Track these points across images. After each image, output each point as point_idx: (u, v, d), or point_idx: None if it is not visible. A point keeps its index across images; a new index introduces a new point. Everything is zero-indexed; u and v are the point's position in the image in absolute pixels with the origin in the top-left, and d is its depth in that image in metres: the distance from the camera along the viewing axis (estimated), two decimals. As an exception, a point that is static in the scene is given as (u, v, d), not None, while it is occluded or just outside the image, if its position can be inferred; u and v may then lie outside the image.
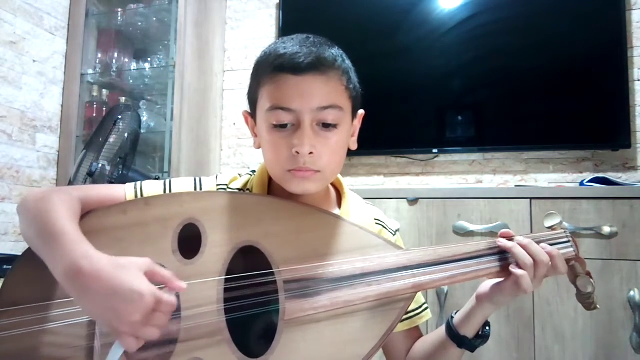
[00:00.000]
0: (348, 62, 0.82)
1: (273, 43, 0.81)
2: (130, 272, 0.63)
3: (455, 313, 0.84)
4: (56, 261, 0.66)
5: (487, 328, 0.83)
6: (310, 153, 0.75)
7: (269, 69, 0.77)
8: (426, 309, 0.92)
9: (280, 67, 0.75)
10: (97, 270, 0.63)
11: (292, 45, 0.77)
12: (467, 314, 0.82)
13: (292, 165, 0.76)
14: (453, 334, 0.82)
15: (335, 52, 0.79)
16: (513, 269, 0.75)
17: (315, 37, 0.80)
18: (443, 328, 0.84)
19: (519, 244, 0.77)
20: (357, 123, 0.86)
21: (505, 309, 1.60)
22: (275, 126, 0.77)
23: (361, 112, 0.86)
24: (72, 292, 0.65)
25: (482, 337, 0.82)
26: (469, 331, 0.81)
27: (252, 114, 0.85)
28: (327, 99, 0.76)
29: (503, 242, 0.78)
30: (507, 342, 1.59)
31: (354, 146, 0.86)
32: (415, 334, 0.90)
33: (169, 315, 0.64)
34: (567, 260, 0.80)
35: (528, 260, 0.75)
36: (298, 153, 0.75)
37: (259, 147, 0.83)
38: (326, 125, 0.77)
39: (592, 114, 1.99)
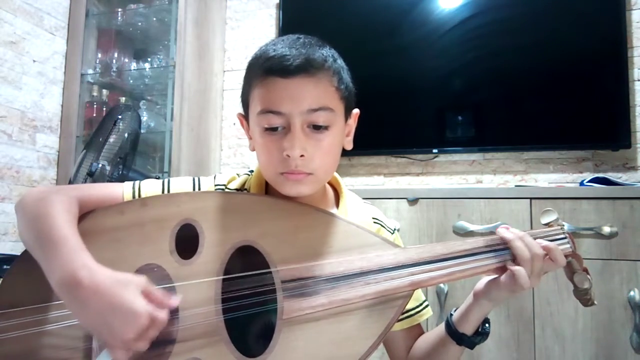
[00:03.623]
0: (340, 62, 0.81)
1: (264, 45, 0.81)
2: (128, 289, 0.64)
3: (455, 310, 0.85)
4: (53, 268, 0.67)
5: (487, 325, 0.83)
6: (302, 156, 0.75)
7: (259, 71, 0.77)
8: (427, 306, 0.93)
9: (269, 70, 0.75)
10: (96, 284, 0.63)
11: (282, 47, 0.76)
12: (465, 311, 0.82)
13: (284, 168, 0.76)
14: (452, 332, 0.82)
15: (325, 52, 0.78)
16: (510, 265, 0.75)
17: (306, 37, 0.80)
18: (443, 326, 0.84)
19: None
20: (352, 122, 0.86)
21: (505, 309, 1.60)
22: (267, 129, 0.77)
23: (356, 111, 0.85)
24: (67, 301, 0.65)
25: (481, 334, 0.82)
26: (468, 328, 0.81)
27: (245, 116, 0.85)
28: (316, 101, 0.75)
29: (502, 232, 0.78)
30: (507, 342, 1.59)
31: (349, 146, 0.86)
32: (417, 331, 0.90)
33: (159, 329, 0.66)
34: (565, 256, 0.80)
35: (526, 253, 0.75)
36: (289, 156, 0.75)
37: (253, 150, 0.83)
38: (317, 127, 0.76)
39: (592, 114, 1.99)
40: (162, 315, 0.66)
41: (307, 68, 0.75)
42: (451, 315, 0.84)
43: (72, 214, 0.73)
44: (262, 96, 0.76)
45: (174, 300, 0.68)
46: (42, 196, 0.75)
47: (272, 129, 0.76)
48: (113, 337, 0.63)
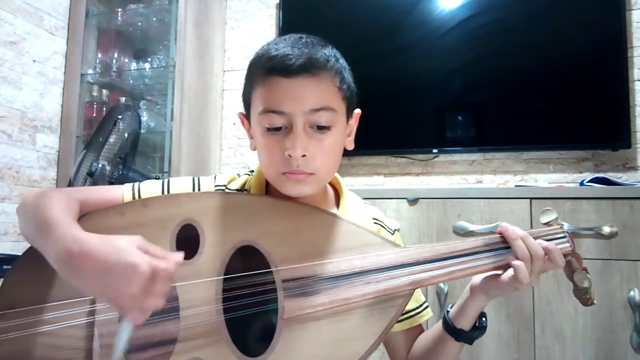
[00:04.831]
0: (342, 62, 0.81)
1: (266, 44, 0.80)
2: (120, 246, 0.62)
3: (451, 307, 0.85)
4: (49, 249, 0.66)
5: (484, 319, 0.83)
6: (303, 156, 0.75)
7: (261, 71, 0.76)
8: (427, 307, 0.93)
9: (271, 70, 0.75)
10: (87, 251, 0.62)
11: (284, 46, 0.76)
12: (462, 306, 0.82)
13: (286, 168, 0.76)
14: (450, 328, 0.82)
15: (327, 52, 0.78)
16: (511, 260, 0.76)
17: (308, 36, 0.80)
18: (440, 323, 0.84)
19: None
20: (354, 123, 0.86)
21: (505, 308, 1.60)
22: (268, 129, 0.77)
23: (357, 111, 0.85)
24: (67, 276, 0.64)
25: (479, 328, 0.82)
26: (465, 324, 0.82)
27: (247, 115, 0.85)
28: (319, 101, 0.75)
29: (505, 230, 0.78)
30: (507, 342, 1.59)
31: (350, 146, 0.86)
32: (417, 332, 0.90)
33: (169, 281, 0.63)
34: (564, 256, 0.80)
35: (526, 253, 0.75)
36: (291, 156, 0.75)
37: (254, 149, 0.83)
38: (319, 127, 0.76)
39: (592, 114, 1.99)
40: (165, 264, 0.62)
41: (309, 68, 0.74)
42: (448, 312, 0.84)
43: (70, 206, 0.73)
44: (264, 96, 0.76)
45: (178, 255, 0.65)
46: (42, 192, 0.75)
47: (274, 129, 0.76)
48: (120, 297, 0.61)
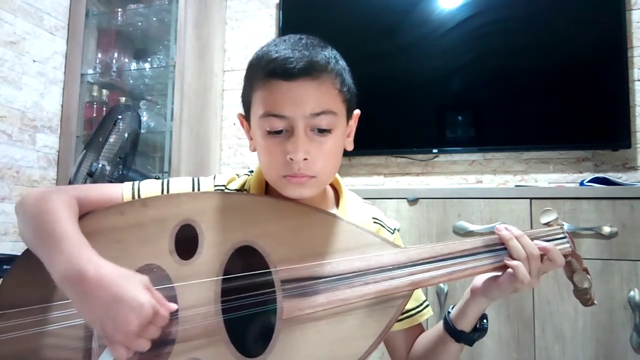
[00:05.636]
0: (342, 63, 0.81)
1: (265, 45, 0.80)
2: (132, 282, 0.65)
3: (452, 308, 0.85)
4: (56, 263, 0.67)
5: (485, 321, 0.83)
6: (305, 159, 0.75)
7: (261, 74, 0.76)
8: (427, 306, 0.93)
9: (272, 73, 0.74)
10: (101, 277, 0.64)
11: (284, 48, 0.75)
12: (462, 308, 0.82)
13: (287, 171, 0.76)
14: (450, 329, 0.82)
15: (328, 53, 0.78)
16: (507, 260, 0.76)
17: (308, 37, 0.79)
18: (441, 324, 0.84)
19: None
20: (353, 123, 0.85)
21: (505, 308, 1.60)
22: (269, 132, 0.76)
23: (357, 112, 0.85)
24: (72, 295, 0.66)
25: (479, 330, 0.82)
26: (466, 325, 0.81)
27: (246, 117, 0.84)
28: (320, 104, 0.75)
29: (500, 231, 0.78)
30: (507, 342, 1.59)
31: (350, 147, 0.86)
32: (417, 331, 0.90)
33: (161, 329, 0.67)
34: (564, 256, 0.80)
35: (522, 253, 0.75)
36: (292, 159, 0.75)
37: (254, 150, 0.83)
38: (320, 130, 0.76)
39: (592, 114, 1.99)
40: (164, 311, 0.66)
41: (310, 71, 0.74)
42: (449, 313, 0.84)
43: (72, 209, 0.74)
44: (264, 99, 0.76)
45: (173, 305, 0.69)
46: (42, 195, 0.75)
47: (275, 132, 0.76)
48: (116, 329, 0.62)
